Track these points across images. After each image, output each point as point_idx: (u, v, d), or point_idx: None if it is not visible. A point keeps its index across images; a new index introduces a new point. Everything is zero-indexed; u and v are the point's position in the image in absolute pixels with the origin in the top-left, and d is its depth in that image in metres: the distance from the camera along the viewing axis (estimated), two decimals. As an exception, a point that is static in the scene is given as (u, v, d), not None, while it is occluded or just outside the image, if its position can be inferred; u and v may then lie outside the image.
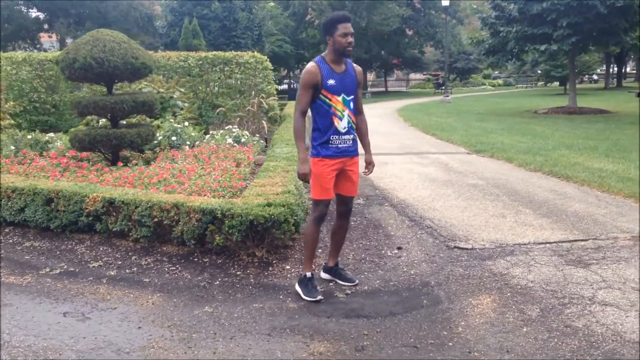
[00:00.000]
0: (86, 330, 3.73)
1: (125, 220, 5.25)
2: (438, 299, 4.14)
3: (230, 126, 10.73)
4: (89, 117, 10.67)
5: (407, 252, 5.17)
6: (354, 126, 4.20)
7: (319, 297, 4.11)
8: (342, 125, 4.08)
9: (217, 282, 4.51)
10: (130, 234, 5.26)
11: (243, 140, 9.75)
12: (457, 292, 4.24)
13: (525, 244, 5.26)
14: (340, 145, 4.11)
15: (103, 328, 3.76)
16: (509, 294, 4.16)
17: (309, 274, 4.23)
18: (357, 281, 4.43)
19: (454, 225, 5.89)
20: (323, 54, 4.12)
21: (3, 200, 5.91)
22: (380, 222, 6.09)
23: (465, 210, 6.45)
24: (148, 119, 10.54)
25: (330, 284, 4.45)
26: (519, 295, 4.14)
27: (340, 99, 4.06)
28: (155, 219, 5.07)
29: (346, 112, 4.10)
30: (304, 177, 4.01)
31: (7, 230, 5.92)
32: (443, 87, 37.58)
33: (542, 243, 5.29)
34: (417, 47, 49.78)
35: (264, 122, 10.89)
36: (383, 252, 5.17)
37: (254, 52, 13.32)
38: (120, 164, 7.77)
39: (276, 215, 4.63)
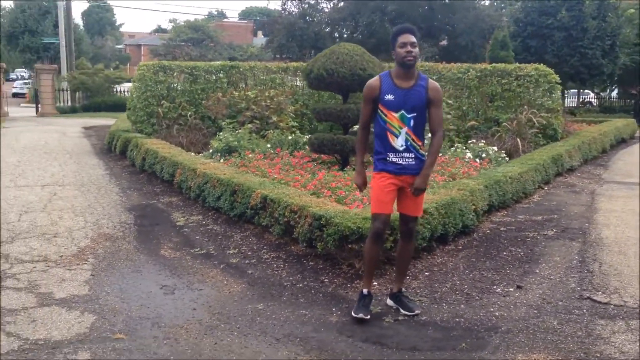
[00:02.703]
0: (158, 302, 4.35)
1: (269, 217, 5.75)
2: (483, 345, 3.60)
3: (484, 141, 10.37)
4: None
5: (523, 293, 4.49)
6: (417, 145, 3.98)
7: (361, 316, 3.97)
8: (398, 142, 3.97)
9: (300, 285, 4.68)
10: (271, 229, 5.73)
11: (484, 155, 9.36)
12: (515, 345, 3.62)
13: (684, 312, 4.04)
14: (400, 163, 3.99)
15: (169, 303, 4.33)
16: (573, 362, 3.36)
17: (365, 291, 4.12)
18: (417, 311, 4.09)
19: (619, 274, 4.82)
20: (391, 69, 4.10)
21: (211, 188, 7.02)
22: (539, 258, 5.33)
23: (661, 260, 5.16)
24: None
25: (392, 308, 4.19)
26: (584, 365, 3.32)
27: (397, 115, 3.94)
28: (286, 219, 5.44)
29: (404, 130, 3.95)
30: (358, 187, 4.26)
31: (209, 213, 7.01)
32: None
33: None
34: None
35: (518, 139, 10.18)
36: (494, 288, 4.59)
37: (537, 65, 12.39)
38: (336, 167, 8.35)
39: (364, 228, 4.55)
